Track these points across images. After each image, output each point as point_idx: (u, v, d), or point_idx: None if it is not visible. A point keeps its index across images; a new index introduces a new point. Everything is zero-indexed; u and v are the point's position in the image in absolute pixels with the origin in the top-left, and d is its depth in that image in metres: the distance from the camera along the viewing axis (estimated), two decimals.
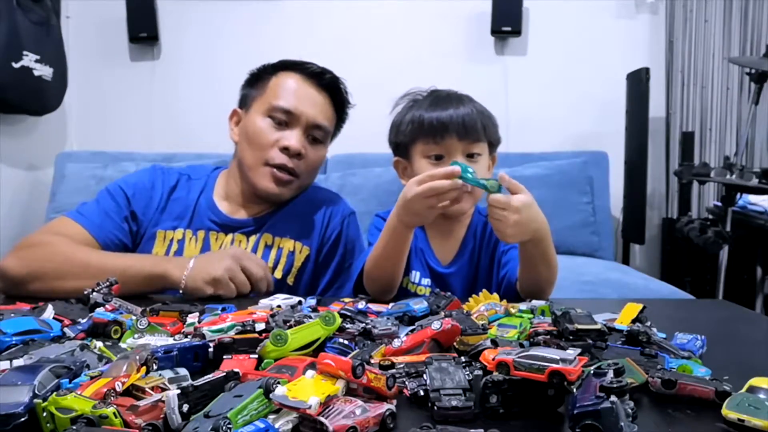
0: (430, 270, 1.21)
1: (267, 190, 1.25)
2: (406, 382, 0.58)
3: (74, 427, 0.45)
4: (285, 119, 1.23)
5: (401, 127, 1.20)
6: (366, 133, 1.77)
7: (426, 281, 1.20)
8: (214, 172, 1.38)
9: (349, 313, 0.80)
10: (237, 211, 1.30)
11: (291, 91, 1.25)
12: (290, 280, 1.25)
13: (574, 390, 0.51)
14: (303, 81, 1.26)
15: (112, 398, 0.49)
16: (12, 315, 0.73)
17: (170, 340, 0.68)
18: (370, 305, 0.87)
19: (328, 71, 1.29)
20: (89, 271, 1.03)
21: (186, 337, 0.71)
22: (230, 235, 1.26)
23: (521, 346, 0.66)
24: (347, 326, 0.75)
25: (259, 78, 1.31)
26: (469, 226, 1.25)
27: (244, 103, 1.31)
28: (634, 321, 0.77)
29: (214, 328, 0.70)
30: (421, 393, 0.56)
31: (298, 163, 1.24)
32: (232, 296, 1.04)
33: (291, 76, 1.27)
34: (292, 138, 1.22)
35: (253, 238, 1.26)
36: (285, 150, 1.22)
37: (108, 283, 0.89)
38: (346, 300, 0.92)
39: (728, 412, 0.51)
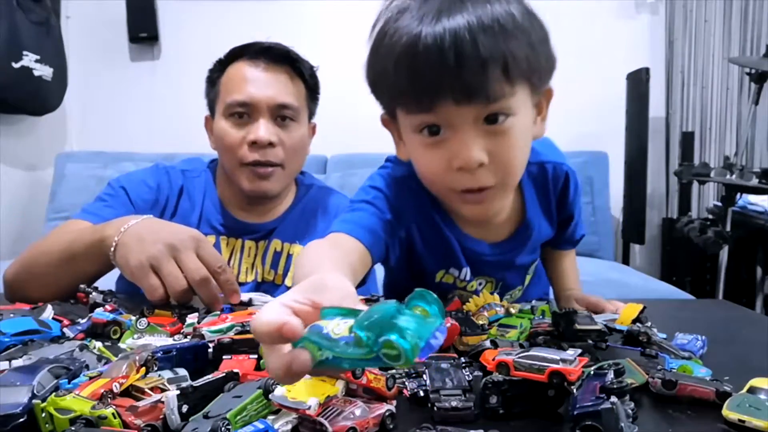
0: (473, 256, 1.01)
1: (251, 189, 1.18)
2: (406, 383, 0.58)
3: (73, 428, 0.45)
4: (245, 112, 1.15)
5: (373, 67, 0.78)
6: (366, 133, 1.77)
7: (465, 272, 1.01)
8: (211, 165, 1.31)
9: None
10: (243, 215, 1.24)
11: (241, 81, 1.16)
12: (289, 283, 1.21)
13: (575, 390, 0.51)
14: (252, 65, 1.17)
15: (108, 399, 0.49)
16: (11, 315, 0.73)
17: (169, 341, 0.68)
18: None
19: (275, 44, 1.19)
20: (60, 256, 0.95)
21: (185, 337, 0.71)
22: (239, 240, 1.21)
23: (521, 346, 0.66)
24: None
25: (212, 79, 1.25)
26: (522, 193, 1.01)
27: (211, 109, 1.26)
28: (634, 321, 0.77)
29: (214, 328, 0.69)
30: (421, 393, 0.56)
31: (274, 152, 1.16)
32: (155, 299, 0.82)
33: (238, 66, 1.18)
34: (258, 129, 1.14)
35: (262, 245, 1.22)
36: (254, 144, 1.14)
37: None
38: None
39: (729, 412, 0.51)
